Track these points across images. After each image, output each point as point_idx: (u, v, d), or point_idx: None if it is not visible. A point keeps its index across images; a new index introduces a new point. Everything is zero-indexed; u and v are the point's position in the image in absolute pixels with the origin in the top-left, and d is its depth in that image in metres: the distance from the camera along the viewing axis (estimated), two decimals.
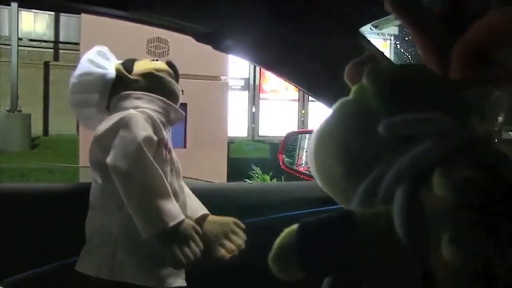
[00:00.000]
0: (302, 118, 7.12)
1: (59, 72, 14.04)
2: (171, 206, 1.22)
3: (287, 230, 0.52)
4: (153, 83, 1.44)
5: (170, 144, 1.40)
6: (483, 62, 0.41)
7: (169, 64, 1.52)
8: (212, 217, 1.41)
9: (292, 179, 2.36)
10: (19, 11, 12.46)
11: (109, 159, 1.21)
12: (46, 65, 14.47)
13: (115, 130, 1.25)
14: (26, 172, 7.53)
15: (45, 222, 1.44)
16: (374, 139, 0.51)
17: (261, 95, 6.92)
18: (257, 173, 6.25)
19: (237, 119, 6.63)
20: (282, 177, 5.60)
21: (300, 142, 2.37)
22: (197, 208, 1.42)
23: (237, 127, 6.60)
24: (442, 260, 0.41)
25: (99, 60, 1.45)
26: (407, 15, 0.46)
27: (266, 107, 6.95)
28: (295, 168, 2.30)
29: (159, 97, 1.41)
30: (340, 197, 0.58)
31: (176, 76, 1.52)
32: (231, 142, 6.56)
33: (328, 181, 0.59)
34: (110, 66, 1.46)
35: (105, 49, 1.51)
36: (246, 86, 6.83)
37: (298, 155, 2.38)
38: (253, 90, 6.84)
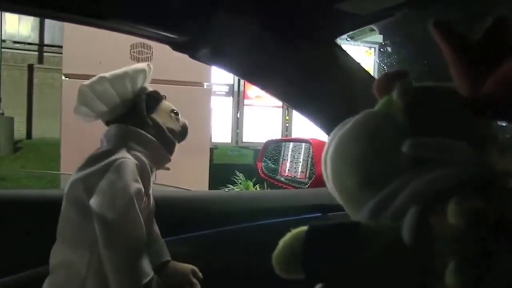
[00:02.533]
0: (287, 125, 7.13)
1: (43, 75, 13.95)
2: (145, 263, 1.25)
3: (294, 231, 0.54)
4: (160, 137, 1.39)
5: (151, 189, 1.39)
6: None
7: (184, 127, 1.49)
8: (172, 265, 1.41)
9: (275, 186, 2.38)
10: (2, 13, 12.35)
11: (95, 204, 1.19)
12: (30, 67, 14.35)
13: (103, 172, 1.23)
14: (8, 176, 7.45)
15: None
16: (395, 155, 0.52)
17: (246, 101, 6.91)
18: (240, 179, 6.24)
19: (222, 125, 6.63)
20: (265, 183, 5.61)
21: (284, 150, 2.39)
22: (162, 253, 1.41)
23: (221, 133, 6.60)
24: (444, 285, 0.42)
25: (129, 82, 1.39)
26: (447, 39, 0.48)
27: (250, 113, 6.94)
28: (273, 176, 2.32)
29: (160, 146, 1.38)
30: (350, 206, 0.59)
31: (184, 137, 1.50)
32: (215, 148, 6.55)
33: (341, 189, 0.59)
34: (133, 93, 1.40)
35: (149, 70, 1.45)
36: (231, 92, 6.83)
37: (282, 163, 2.40)
38: (238, 96, 6.83)
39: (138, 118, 1.37)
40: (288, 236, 0.55)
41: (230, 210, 1.69)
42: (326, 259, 0.50)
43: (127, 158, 1.26)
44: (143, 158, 1.31)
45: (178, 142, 1.46)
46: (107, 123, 1.42)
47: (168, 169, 1.46)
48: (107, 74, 1.36)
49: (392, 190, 0.51)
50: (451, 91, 0.51)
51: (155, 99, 1.45)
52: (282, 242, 0.55)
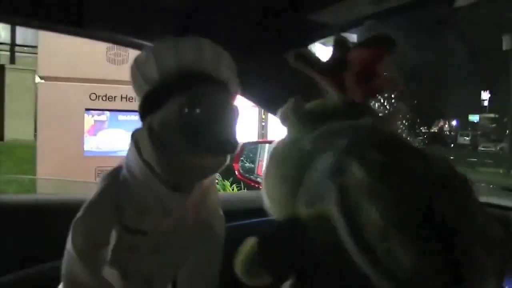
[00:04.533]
0: (263, 123, 7.17)
1: (15, 75, 13.72)
2: None
3: (250, 240, 0.60)
4: None
5: None
6: (367, 80, 0.62)
7: None
8: None
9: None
10: None
11: None
12: (2, 68, 14.10)
13: None
14: None
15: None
16: (303, 151, 0.63)
17: None
18: (217, 179, 6.23)
19: None
20: (242, 183, 5.63)
21: (260, 152, 2.43)
22: None
23: None
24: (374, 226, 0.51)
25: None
26: (307, 65, 0.67)
27: None
28: (249, 177, 2.36)
29: None
30: (284, 209, 0.67)
31: None
32: None
33: (277, 202, 0.69)
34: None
35: None
36: None
37: (258, 164, 2.44)
38: None
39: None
40: (245, 244, 0.60)
41: None
42: (282, 256, 0.58)
43: None
44: None
45: None
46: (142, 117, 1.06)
47: None
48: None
49: (309, 181, 0.60)
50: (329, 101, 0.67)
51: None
52: (240, 252, 0.60)
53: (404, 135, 0.94)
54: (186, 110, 0.88)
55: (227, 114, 0.92)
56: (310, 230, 0.56)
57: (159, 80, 0.93)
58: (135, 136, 0.98)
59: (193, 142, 0.88)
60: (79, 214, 0.97)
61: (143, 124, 0.94)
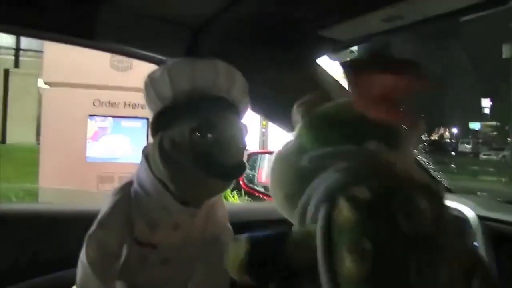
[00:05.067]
0: (263, 130, 7.16)
1: (19, 79, 13.73)
2: None
3: (237, 244, 0.62)
4: None
5: None
6: (391, 106, 0.59)
7: None
8: None
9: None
10: None
11: None
12: (6, 72, 14.12)
13: None
14: None
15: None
16: (303, 170, 0.63)
17: None
18: None
19: None
20: (243, 190, 5.62)
21: (260, 161, 2.43)
22: None
23: None
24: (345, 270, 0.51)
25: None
26: (353, 78, 0.62)
27: None
28: (254, 187, 2.36)
29: None
30: (286, 214, 0.70)
31: None
32: None
33: (276, 202, 0.72)
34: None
35: None
36: None
37: (258, 171, 2.44)
38: None
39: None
40: (233, 247, 0.63)
41: None
42: (264, 265, 0.60)
43: None
44: None
45: None
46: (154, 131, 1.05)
47: None
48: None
49: (305, 200, 0.61)
50: (346, 106, 0.64)
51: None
52: (229, 254, 0.62)
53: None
54: (197, 134, 0.89)
55: (237, 138, 0.94)
56: (297, 248, 0.58)
57: (172, 99, 0.94)
58: (145, 152, 1.00)
59: (203, 168, 0.90)
60: (92, 228, 1.00)
61: (154, 140, 0.95)
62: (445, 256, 0.54)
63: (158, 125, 0.95)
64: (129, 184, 1.02)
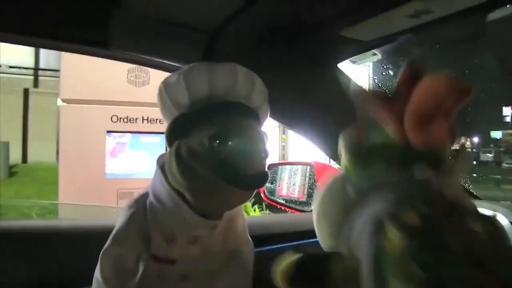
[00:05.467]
0: (283, 144, 7.15)
1: (39, 99, 13.95)
2: None
3: (288, 257, 0.64)
4: None
5: None
6: (430, 124, 0.53)
7: None
8: None
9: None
10: None
11: None
12: (26, 92, 14.36)
13: None
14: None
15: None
16: (349, 200, 0.61)
17: None
18: None
19: None
20: (263, 203, 5.59)
21: (281, 173, 2.40)
22: None
23: None
24: None
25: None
26: (380, 107, 0.58)
27: None
28: (275, 199, 2.33)
29: None
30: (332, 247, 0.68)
31: None
32: None
33: (321, 240, 0.70)
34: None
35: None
36: None
37: (279, 185, 2.41)
38: None
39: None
40: (284, 260, 0.65)
41: None
42: (311, 282, 0.62)
43: None
44: None
45: None
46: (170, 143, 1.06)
47: None
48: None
49: (351, 224, 0.59)
50: (389, 140, 0.60)
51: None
52: (279, 265, 0.64)
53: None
54: (217, 142, 0.84)
55: (258, 145, 0.89)
56: (343, 272, 0.58)
57: (188, 106, 0.90)
58: (160, 162, 0.96)
59: (223, 177, 0.85)
60: (107, 244, 0.95)
61: (170, 149, 0.90)
62: (500, 279, 0.50)
63: (174, 134, 0.90)
64: (144, 196, 0.97)
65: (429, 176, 0.55)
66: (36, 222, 1.84)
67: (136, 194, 1.00)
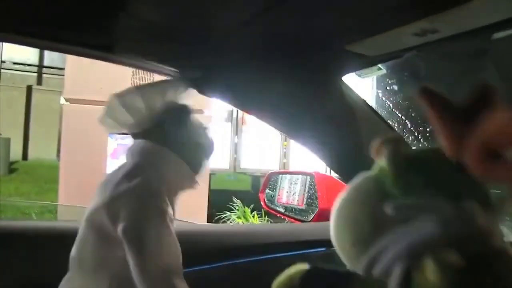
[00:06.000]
0: (284, 150, 7.12)
1: (42, 96, 13.95)
2: (184, 286, 1.15)
3: (298, 266, 0.60)
4: (189, 155, 1.33)
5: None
6: (494, 158, 0.46)
7: (212, 143, 1.43)
8: None
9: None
10: None
11: (126, 228, 1.12)
12: (29, 89, 14.35)
13: (131, 195, 1.16)
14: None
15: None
16: (384, 217, 0.54)
17: (244, 127, 6.91)
18: (237, 205, 6.20)
19: (219, 151, 6.61)
20: (263, 210, 5.57)
21: (281, 181, 2.40)
22: None
23: (218, 159, 6.57)
24: None
25: (166, 97, 1.30)
26: (433, 105, 0.50)
27: (248, 139, 6.94)
28: (275, 208, 2.32)
29: (186, 167, 1.30)
30: (346, 259, 0.62)
31: (211, 154, 1.43)
32: (213, 173, 6.52)
33: (338, 244, 0.63)
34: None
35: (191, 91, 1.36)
36: (229, 118, 6.83)
37: (279, 194, 2.41)
38: (236, 121, 6.84)
39: (165, 134, 1.29)
40: (291, 269, 0.61)
41: (229, 245, 1.68)
42: None
43: (156, 180, 1.20)
44: (170, 180, 1.25)
45: (207, 159, 1.40)
46: (134, 136, 1.34)
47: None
48: (138, 86, 1.30)
49: (379, 248, 0.54)
50: (439, 154, 0.52)
51: (184, 112, 1.36)
52: (284, 273, 0.60)
53: None
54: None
55: None
56: None
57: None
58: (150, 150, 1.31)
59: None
60: None
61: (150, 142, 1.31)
62: None
63: (171, 125, 1.33)
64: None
65: (478, 213, 0.50)
66: (35, 223, 1.84)
67: None
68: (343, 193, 0.63)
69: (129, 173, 1.21)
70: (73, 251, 1.25)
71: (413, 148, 0.60)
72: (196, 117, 1.40)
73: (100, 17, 1.04)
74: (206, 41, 1.13)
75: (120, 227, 1.12)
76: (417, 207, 0.52)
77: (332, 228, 0.63)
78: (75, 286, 1.23)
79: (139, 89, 1.28)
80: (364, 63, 1.16)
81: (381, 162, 0.59)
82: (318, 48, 1.10)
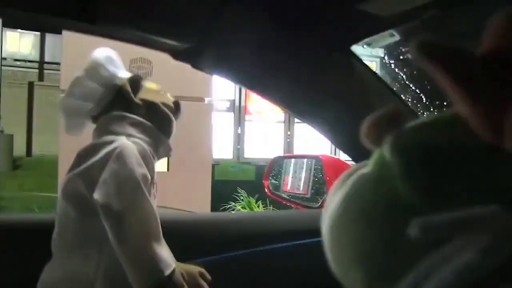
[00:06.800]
0: (288, 140, 7.06)
1: (44, 92, 13.92)
2: (165, 252, 1.14)
3: None
4: (155, 116, 1.38)
5: (156, 179, 1.32)
6: None
7: (176, 104, 1.46)
8: (179, 267, 1.24)
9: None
10: (3, 30, 12.33)
11: (99, 196, 1.10)
12: (31, 85, 14.32)
13: (104, 162, 1.16)
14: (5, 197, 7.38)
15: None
16: (403, 238, 0.32)
17: (247, 117, 6.84)
18: (242, 195, 6.14)
19: (222, 140, 6.54)
20: (268, 199, 5.50)
21: (286, 166, 2.30)
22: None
23: (222, 149, 6.51)
24: None
25: (105, 69, 1.38)
26: (445, 68, 0.29)
27: (251, 128, 6.87)
28: (280, 194, 2.23)
29: (155, 129, 1.35)
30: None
31: (178, 116, 1.47)
32: (216, 164, 6.46)
33: (343, 279, 0.39)
34: (114, 78, 1.39)
35: (115, 55, 1.45)
36: (232, 108, 6.76)
37: (284, 180, 2.31)
38: (239, 111, 6.76)
39: (126, 102, 1.35)
40: None
41: (232, 234, 1.60)
42: None
43: (128, 144, 1.20)
44: (143, 144, 1.26)
45: (176, 119, 1.43)
46: (96, 119, 1.39)
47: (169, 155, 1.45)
48: (79, 73, 1.38)
49: (410, 284, 0.31)
50: (464, 131, 0.31)
51: (136, 80, 1.44)
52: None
53: None
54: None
55: None
56: None
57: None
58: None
59: None
60: None
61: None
62: None
63: (129, 92, 1.44)
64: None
65: None
66: (38, 216, 1.81)
67: None
68: (336, 198, 0.39)
69: (102, 142, 1.23)
70: (54, 232, 1.24)
71: (420, 121, 0.34)
72: (152, 83, 1.49)
73: None
74: (202, 9, 1.02)
75: (95, 195, 1.11)
76: (460, 221, 0.30)
77: (329, 249, 0.39)
78: (60, 271, 1.20)
79: (84, 74, 1.38)
80: (376, 27, 1.04)
81: (380, 151, 0.36)
82: (324, 10, 0.98)
